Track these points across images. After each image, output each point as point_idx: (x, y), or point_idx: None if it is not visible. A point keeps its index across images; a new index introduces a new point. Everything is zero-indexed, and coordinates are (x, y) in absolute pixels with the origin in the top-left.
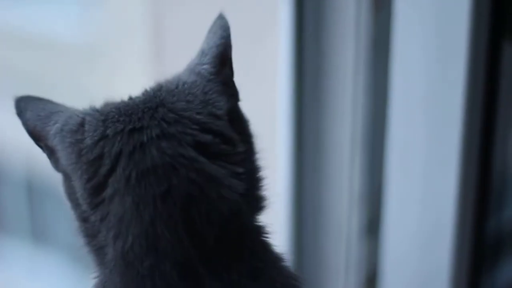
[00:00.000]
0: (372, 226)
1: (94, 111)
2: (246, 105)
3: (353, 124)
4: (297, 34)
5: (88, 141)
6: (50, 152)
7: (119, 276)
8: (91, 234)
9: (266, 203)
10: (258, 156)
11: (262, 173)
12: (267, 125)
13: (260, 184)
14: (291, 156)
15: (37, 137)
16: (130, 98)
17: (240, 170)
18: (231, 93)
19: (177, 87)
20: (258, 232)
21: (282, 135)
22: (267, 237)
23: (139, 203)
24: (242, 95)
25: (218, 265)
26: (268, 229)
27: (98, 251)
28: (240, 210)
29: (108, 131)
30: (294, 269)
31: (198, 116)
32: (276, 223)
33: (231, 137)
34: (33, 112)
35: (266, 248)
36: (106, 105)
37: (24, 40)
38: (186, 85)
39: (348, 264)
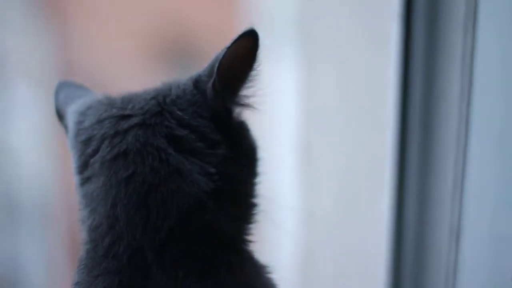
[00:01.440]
0: None
1: (107, 97)
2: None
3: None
4: (405, 55)
5: (86, 123)
6: (67, 131)
7: (85, 253)
8: (79, 208)
9: (251, 212)
10: (253, 167)
11: (254, 186)
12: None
13: (246, 193)
14: (394, 182)
15: (60, 116)
16: (144, 90)
17: (212, 170)
18: (229, 100)
19: (173, 86)
20: (229, 237)
21: (387, 162)
22: (241, 247)
23: (107, 184)
24: (352, 112)
25: (167, 258)
26: (249, 239)
27: (80, 225)
28: (203, 209)
29: (104, 115)
30: None
31: (179, 112)
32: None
33: (211, 137)
34: (64, 95)
35: (232, 255)
36: (124, 93)
37: None
38: (180, 86)
39: None
